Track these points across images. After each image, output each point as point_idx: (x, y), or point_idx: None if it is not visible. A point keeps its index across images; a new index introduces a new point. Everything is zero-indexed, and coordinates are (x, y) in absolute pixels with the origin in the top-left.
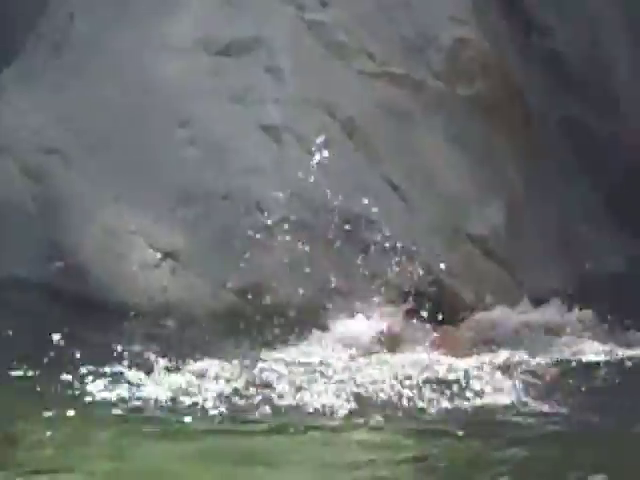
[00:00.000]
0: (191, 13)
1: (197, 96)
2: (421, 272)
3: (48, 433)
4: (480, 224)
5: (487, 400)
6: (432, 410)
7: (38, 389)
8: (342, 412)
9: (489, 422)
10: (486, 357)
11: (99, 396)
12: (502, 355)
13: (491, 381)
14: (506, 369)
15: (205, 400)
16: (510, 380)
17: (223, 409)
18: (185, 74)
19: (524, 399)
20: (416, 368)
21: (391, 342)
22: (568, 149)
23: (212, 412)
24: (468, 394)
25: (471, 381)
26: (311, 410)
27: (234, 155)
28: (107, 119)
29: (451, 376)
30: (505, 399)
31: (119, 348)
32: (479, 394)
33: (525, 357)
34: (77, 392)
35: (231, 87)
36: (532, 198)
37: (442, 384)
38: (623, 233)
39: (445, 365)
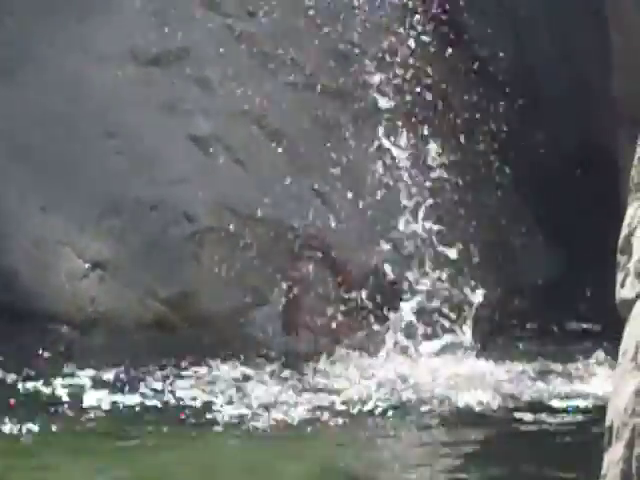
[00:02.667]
0: (119, 21)
1: (125, 106)
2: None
3: None
4: (409, 231)
5: None
6: None
7: None
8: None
9: None
10: None
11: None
12: None
13: None
14: None
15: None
16: None
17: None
18: (113, 83)
19: None
20: None
21: None
22: (498, 158)
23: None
24: None
25: None
26: None
27: (162, 165)
28: (32, 127)
29: None
30: None
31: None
32: None
33: None
34: None
35: (160, 97)
36: (462, 206)
37: None
38: (553, 244)
39: None
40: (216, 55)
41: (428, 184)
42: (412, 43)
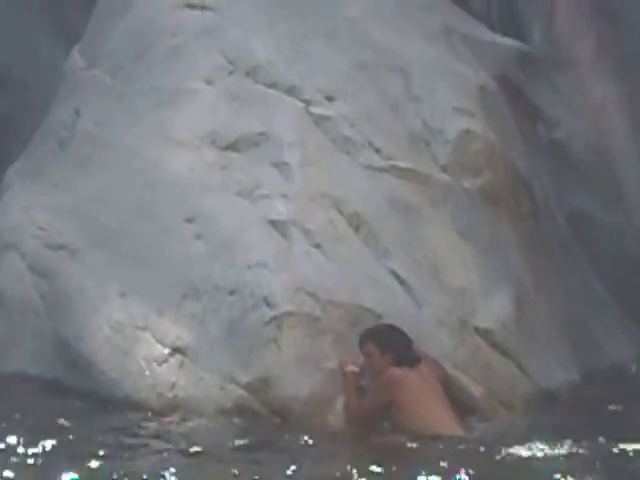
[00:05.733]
0: (198, 108)
1: (204, 191)
2: None
3: None
4: (487, 316)
5: None
6: None
7: None
8: None
9: None
10: None
11: None
12: None
13: None
14: None
15: None
16: None
17: None
18: (192, 169)
19: None
20: None
21: None
22: (575, 239)
23: None
24: None
25: None
26: None
27: (241, 250)
28: (113, 214)
29: None
30: None
31: (125, 443)
32: None
33: None
34: None
35: (238, 182)
36: (539, 289)
37: None
38: (630, 324)
39: None
40: (294, 139)
41: (504, 266)
42: (487, 125)
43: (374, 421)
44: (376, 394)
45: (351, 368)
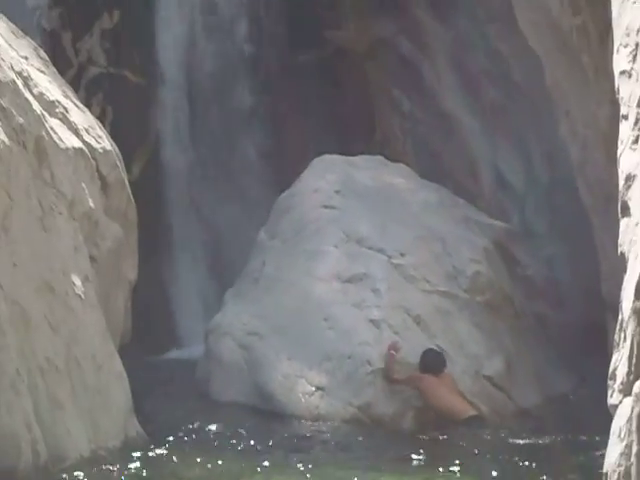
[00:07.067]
0: (329, 260)
1: (334, 304)
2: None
3: None
4: (489, 369)
5: None
6: None
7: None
8: None
9: None
10: None
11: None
12: None
13: None
14: None
15: None
16: None
17: None
18: (327, 292)
19: None
20: None
21: None
22: (540, 326)
23: None
24: None
25: None
26: None
27: (354, 335)
28: (284, 316)
29: None
30: None
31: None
32: None
33: None
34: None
35: (352, 299)
36: (520, 355)
37: None
38: (572, 370)
39: None
40: (382, 276)
41: (499, 343)
42: (489, 268)
43: (400, 389)
44: (408, 382)
45: (392, 352)
